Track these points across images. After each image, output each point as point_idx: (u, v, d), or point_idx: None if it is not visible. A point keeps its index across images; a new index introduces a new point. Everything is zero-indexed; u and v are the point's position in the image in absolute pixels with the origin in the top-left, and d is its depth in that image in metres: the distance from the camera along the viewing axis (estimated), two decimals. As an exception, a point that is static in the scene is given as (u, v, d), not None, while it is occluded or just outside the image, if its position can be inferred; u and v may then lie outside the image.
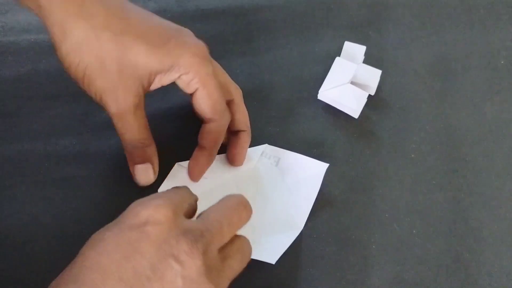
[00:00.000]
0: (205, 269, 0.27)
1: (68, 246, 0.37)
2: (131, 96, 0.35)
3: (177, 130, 0.42)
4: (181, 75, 0.36)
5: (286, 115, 0.46)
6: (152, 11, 0.51)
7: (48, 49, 0.47)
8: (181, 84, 0.36)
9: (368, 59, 0.49)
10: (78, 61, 0.34)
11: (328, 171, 0.43)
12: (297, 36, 0.52)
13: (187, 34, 0.37)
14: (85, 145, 0.42)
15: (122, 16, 0.34)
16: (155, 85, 0.36)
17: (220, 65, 0.43)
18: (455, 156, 0.45)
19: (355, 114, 0.46)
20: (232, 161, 0.41)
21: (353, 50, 0.49)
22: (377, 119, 0.46)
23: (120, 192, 0.40)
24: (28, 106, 0.44)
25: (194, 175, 0.39)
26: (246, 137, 0.41)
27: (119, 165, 0.41)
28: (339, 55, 0.49)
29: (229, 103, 0.39)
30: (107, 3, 0.34)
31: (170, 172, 0.40)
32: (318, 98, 0.47)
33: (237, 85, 0.40)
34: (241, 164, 0.41)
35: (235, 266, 0.31)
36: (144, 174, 0.38)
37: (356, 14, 0.54)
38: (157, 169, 0.38)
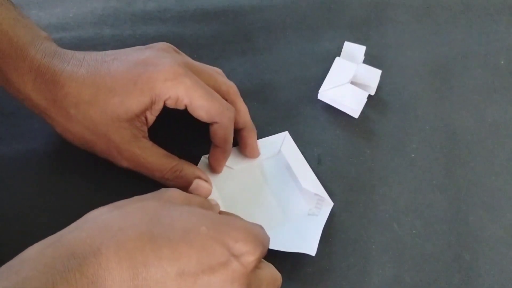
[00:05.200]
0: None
1: (68, 246, 0.37)
2: (132, 145, 0.37)
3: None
4: (165, 101, 0.36)
5: (286, 115, 0.46)
6: (152, 11, 0.52)
7: (48, 49, 0.47)
8: (171, 106, 0.37)
9: (368, 59, 0.49)
10: (72, 138, 0.38)
11: (328, 171, 0.43)
12: (297, 36, 0.52)
13: (156, 60, 0.37)
14: (85, 145, 0.42)
15: (89, 83, 0.36)
16: (150, 120, 0.38)
17: (220, 65, 0.43)
18: (455, 156, 0.45)
19: (355, 114, 0.46)
20: (246, 156, 0.42)
21: (353, 50, 0.49)
22: (377, 119, 0.46)
23: (120, 192, 0.40)
24: (28, 106, 0.44)
25: (215, 169, 0.41)
26: (249, 133, 0.41)
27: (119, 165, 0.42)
28: (339, 55, 0.49)
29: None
30: (75, 77, 0.36)
31: (198, 165, 0.41)
32: (318, 98, 0.47)
33: (230, 83, 0.40)
34: (256, 156, 0.42)
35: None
36: (199, 189, 0.38)
37: (356, 14, 0.54)
38: (205, 176, 0.39)
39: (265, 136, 0.43)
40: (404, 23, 0.54)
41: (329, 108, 0.46)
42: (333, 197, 0.41)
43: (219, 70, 0.42)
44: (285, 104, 0.47)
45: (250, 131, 0.41)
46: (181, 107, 0.37)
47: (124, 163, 0.38)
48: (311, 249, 0.37)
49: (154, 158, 0.38)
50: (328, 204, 0.40)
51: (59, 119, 0.37)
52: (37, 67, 0.36)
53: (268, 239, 0.32)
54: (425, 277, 0.38)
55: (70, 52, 0.38)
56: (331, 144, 0.44)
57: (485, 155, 0.45)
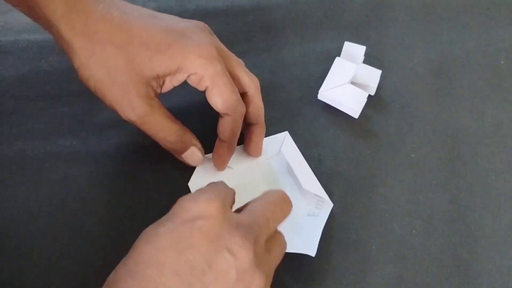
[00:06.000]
0: (256, 260, 0.28)
1: (68, 246, 0.37)
2: (145, 101, 0.36)
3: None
4: (189, 75, 0.37)
5: (286, 115, 0.46)
6: (152, 11, 0.52)
7: (48, 49, 0.47)
8: (192, 82, 0.37)
9: (368, 59, 0.49)
10: (88, 76, 0.36)
11: (328, 171, 0.43)
12: (297, 36, 0.52)
13: (192, 34, 0.37)
14: (85, 145, 0.42)
15: (124, 28, 0.35)
16: (166, 87, 0.38)
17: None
18: (455, 156, 0.45)
19: (355, 114, 0.46)
20: (248, 153, 0.42)
21: (353, 50, 0.49)
22: (377, 119, 0.46)
23: (120, 192, 0.40)
24: (28, 106, 0.44)
25: (218, 165, 0.41)
26: (258, 130, 0.41)
27: (119, 165, 0.42)
28: (339, 55, 0.49)
29: (243, 96, 0.39)
30: (109, 18, 0.35)
31: (197, 167, 0.41)
32: (318, 98, 0.47)
33: (253, 77, 0.40)
34: (257, 156, 0.42)
35: (278, 257, 0.32)
36: (193, 157, 0.40)
37: (356, 14, 0.54)
38: (200, 146, 0.40)
39: (266, 136, 0.43)
40: (404, 23, 0.54)
41: (329, 108, 0.46)
42: (333, 197, 0.41)
43: (241, 61, 0.42)
44: (285, 104, 0.47)
45: (260, 128, 0.41)
46: (201, 88, 0.37)
47: (132, 117, 0.37)
48: (311, 249, 0.37)
49: (162, 118, 0.38)
50: (328, 205, 0.40)
51: (81, 53, 0.35)
52: None
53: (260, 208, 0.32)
54: (425, 277, 0.38)
55: None
56: (331, 144, 0.44)
57: (485, 155, 0.45)
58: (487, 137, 0.46)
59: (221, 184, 0.33)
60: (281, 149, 0.43)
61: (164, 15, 0.38)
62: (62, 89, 0.43)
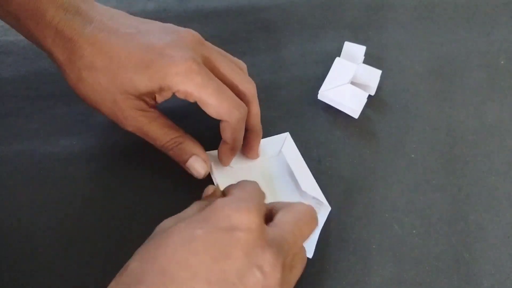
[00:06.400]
0: (281, 281, 0.29)
1: (68, 246, 0.37)
2: (138, 113, 0.38)
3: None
4: (174, 92, 0.37)
5: (286, 115, 0.46)
6: (152, 11, 0.52)
7: (48, 49, 0.47)
8: (180, 97, 0.37)
9: (368, 59, 0.49)
10: (81, 96, 0.38)
11: (328, 171, 0.43)
12: (297, 36, 0.52)
13: (171, 51, 0.36)
14: (85, 145, 0.42)
15: (105, 50, 0.36)
16: (158, 100, 0.39)
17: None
18: (455, 156, 0.45)
19: (355, 114, 0.46)
20: (245, 156, 0.42)
21: (353, 50, 0.49)
22: (377, 119, 0.46)
23: (120, 192, 0.40)
24: (28, 106, 0.44)
25: (222, 163, 0.41)
26: (254, 135, 0.41)
27: (119, 165, 0.42)
28: (339, 55, 0.49)
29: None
30: (93, 41, 0.36)
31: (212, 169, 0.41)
32: (318, 98, 0.47)
33: (249, 83, 0.39)
34: (253, 158, 0.42)
35: (298, 274, 0.32)
36: (196, 167, 0.39)
37: (356, 14, 0.54)
38: (204, 156, 0.40)
39: (266, 137, 0.43)
40: (404, 23, 0.54)
41: (329, 108, 0.46)
42: (332, 197, 0.41)
43: (242, 65, 0.42)
44: (285, 104, 0.47)
45: (256, 135, 0.41)
46: (191, 101, 0.37)
47: (129, 128, 0.38)
48: (308, 252, 0.37)
49: (157, 127, 0.38)
50: (325, 208, 0.40)
51: (72, 77, 0.37)
52: (56, 24, 0.36)
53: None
54: (425, 277, 0.38)
55: (97, 10, 0.38)
56: (331, 144, 0.44)
57: (485, 155, 0.45)
58: (487, 137, 0.46)
59: (255, 188, 0.33)
60: (281, 150, 0.43)
61: (150, 27, 0.38)
62: (62, 89, 0.43)
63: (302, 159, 0.42)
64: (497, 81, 0.50)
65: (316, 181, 0.41)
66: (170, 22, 0.39)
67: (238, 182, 0.34)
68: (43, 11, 0.36)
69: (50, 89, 0.45)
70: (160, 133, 0.38)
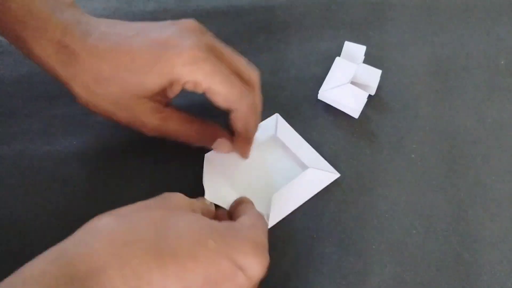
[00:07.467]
0: None
1: (68, 246, 0.37)
2: (154, 116, 0.38)
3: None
4: (183, 84, 0.36)
5: (286, 115, 0.46)
6: (152, 11, 0.52)
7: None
8: (190, 89, 0.37)
9: (368, 59, 0.49)
10: (95, 109, 0.38)
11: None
12: (297, 36, 0.52)
13: (176, 42, 0.36)
14: (85, 145, 0.42)
15: (109, 58, 0.36)
16: (172, 94, 0.38)
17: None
18: (455, 156, 0.45)
19: (355, 114, 0.46)
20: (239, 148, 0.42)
21: (353, 50, 0.49)
22: (377, 119, 0.46)
23: (120, 192, 0.40)
24: (28, 106, 0.44)
25: (241, 156, 0.41)
26: (242, 138, 0.40)
27: (118, 165, 0.42)
28: (339, 55, 0.49)
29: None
30: (96, 52, 0.36)
31: (204, 163, 0.41)
32: (318, 98, 0.47)
33: (252, 71, 0.39)
34: (245, 158, 0.42)
35: None
36: (221, 147, 0.40)
37: (356, 14, 0.54)
38: (226, 134, 0.40)
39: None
40: (404, 23, 0.54)
41: (329, 108, 0.46)
42: (332, 197, 0.41)
43: (240, 57, 0.42)
44: (285, 104, 0.47)
45: (245, 136, 0.41)
46: (200, 92, 0.37)
47: (150, 133, 0.39)
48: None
49: (176, 124, 0.39)
50: (335, 175, 0.42)
51: (80, 92, 0.37)
52: (58, 40, 0.36)
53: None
54: (425, 277, 0.38)
55: (94, 22, 0.37)
56: (331, 144, 0.44)
57: (485, 155, 0.45)
58: (487, 137, 0.46)
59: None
60: (276, 134, 0.43)
61: (149, 26, 0.38)
62: (62, 89, 0.43)
63: (298, 135, 0.43)
64: (497, 81, 0.50)
65: (316, 181, 0.41)
66: (169, 22, 0.39)
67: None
68: (45, 27, 0.35)
69: (50, 89, 0.45)
70: (179, 129, 0.39)
